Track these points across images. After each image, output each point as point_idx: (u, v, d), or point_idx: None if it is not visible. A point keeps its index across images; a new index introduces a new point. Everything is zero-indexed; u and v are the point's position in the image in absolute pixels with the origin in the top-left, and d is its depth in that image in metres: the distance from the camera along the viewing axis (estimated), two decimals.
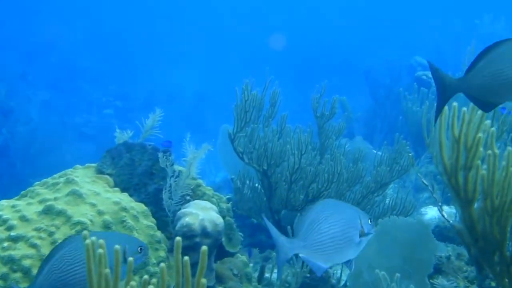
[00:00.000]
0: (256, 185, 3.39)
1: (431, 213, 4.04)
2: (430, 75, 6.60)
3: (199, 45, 19.36)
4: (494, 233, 2.16)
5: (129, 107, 13.31)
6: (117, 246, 1.29)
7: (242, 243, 4.15)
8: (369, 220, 1.83)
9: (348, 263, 1.85)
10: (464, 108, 2.03)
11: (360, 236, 1.79)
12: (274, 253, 3.51)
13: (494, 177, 2.06)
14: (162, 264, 1.28)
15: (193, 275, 1.26)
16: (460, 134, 2.11)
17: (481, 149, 2.11)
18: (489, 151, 2.03)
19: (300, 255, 1.78)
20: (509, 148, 2.02)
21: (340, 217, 1.77)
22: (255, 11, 21.60)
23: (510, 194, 2.09)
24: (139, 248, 1.80)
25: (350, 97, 7.05)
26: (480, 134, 2.07)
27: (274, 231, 1.77)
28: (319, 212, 1.77)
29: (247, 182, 3.46)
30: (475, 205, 2.21)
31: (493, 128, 2.04)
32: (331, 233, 1.75)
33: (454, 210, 3.60)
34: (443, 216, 2.65)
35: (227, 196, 4.67)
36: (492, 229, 2.16)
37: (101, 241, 1.29)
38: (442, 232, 3.57)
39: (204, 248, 1.23)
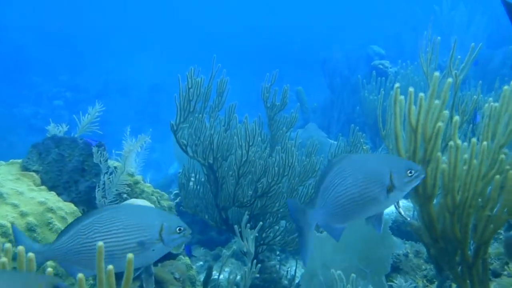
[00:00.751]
0: (202, 180, 3.15)
1: (388, 208, 3.85)
2: (386, 64, 6.49)
3: (155, 36, 18.99)
4: (455, 232, 1.97)
5: (81, 98, 12.91)
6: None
7: (191, 241, 3.94)
8: (409, 171, 1.67)
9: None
10: (422, 94, 1.82)
11: (390, 191, 1.66)
12: (224, 251, 3.30)
13: (455, 171, 1.87)
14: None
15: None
16: (417, 123, 1.90)
17: (440, 140, 1.91)
18: (451, 143, 1.83)
19: (318, 223, 1.71)
20: (473, 139, 1.83)
21: (361, 175, 1.65)
22: (211, 1, 21.28)
23: (473, 189, 1.90)
24: (178, 229, 1.71)
25: (307, 87, 6.90)
26: (440, 123, 1.87)
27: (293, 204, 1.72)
28: (336, 174, 1.66)
29: (193, 177, 3.21)
30: (435, 202, 2.02)
31: (457, 117, 1.83)
32: (349, 194, 1.64)
33: (412, 204, 3.43)
34: (400, 213, 2.47)
35: (176, 191, 4.43)
36: (453, 227, 1.97)
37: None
38: (399, 227, 3.40)
39: (130, 256, 1.15)
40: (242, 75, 8.85)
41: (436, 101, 1.85)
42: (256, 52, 14.80)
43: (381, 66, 6.46)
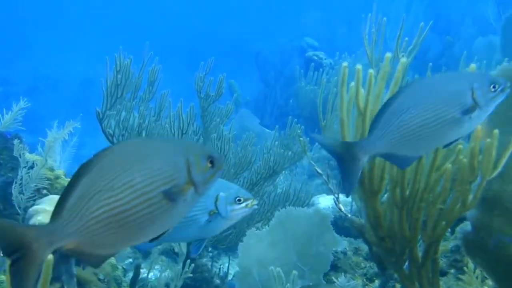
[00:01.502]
0: None
1: (324, 202, 3.72)
2: (320, 56, 6.39)
3: (86, 29, 18.37)
4: (404, 230, 1.81)
5: (10, 92, 12.29)
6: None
7: None
8: (492, 86, 1.42)
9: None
10: (371, 70, 1.64)
11: (472, 111, 1.41)
12: (153, 249, 3.07)
13: None
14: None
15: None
16: (366, 107, 1.72)
17: None
18: None
19: (378, 155, 1.45)
20: None
21: (435, 98, 1.40)
22: None
23: (424, 181, 1.75)
24: (237, 199, 1.49)
25: (240, 80, 6.74)
26: None
27: (327, 140, 1.46)
28: (404, 100, 1.41)
29: None
30: (381, 197, 1.86)
31: None
32: (420, 121, 1.39)
33: (350, 199, 3.28)
34: (340, 209, 2.30)
35: None
36: (402, 224, 1.81)
37: None
38: (337, 222, 3.24)
39: (50, 257, 1.06)
40: (175, 68, 8.58)
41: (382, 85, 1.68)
42: (189, 45, 14.51)
43: (315, 58, 6.34)
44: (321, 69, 5.45)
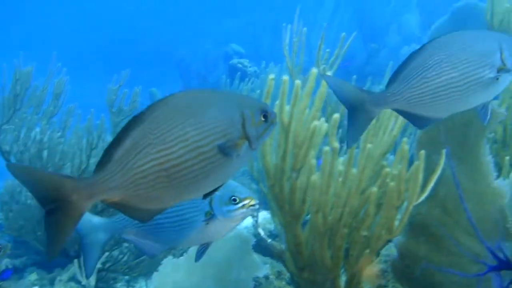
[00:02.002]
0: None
1: (249, 220, 3.55)
2: (245, 63, 6.25)
3: None
4: (325, 258, 1.66)
5: None
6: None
7: (24, 263, 3.40)
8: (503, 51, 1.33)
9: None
10: (298, 81, 1.49)
11: (499, 72, 1.32)
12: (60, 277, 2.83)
13: (329, 181, 1.56)
14: None
15: None
16: (290, 121, 1.58)
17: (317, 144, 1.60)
18: (325, 147, 1.52)
19: (394, 110, 1.35)
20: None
21: (462, 56, 1.31)
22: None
23: (349, 205, 1.61)
24: (232, 199, 1.37)
25: (162, 88, 6.52)
26: (316, 122, 1.55)
27: (342, 85, 1.31)
28: (429, 56, 1.31)
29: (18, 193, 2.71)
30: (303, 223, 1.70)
31: (337, 114, 1.50)
32: (444, 79, 1.30)
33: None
34: (259, 234, 2.15)
35: None
36: (323, 252, 1.66)
37: None
38: (260, 244, 3.07)
39: None
40: (94, 79, 8.24)
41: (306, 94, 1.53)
42: (110, 52, 14.01)
43: (240, 65, 6.18)
44: (246, 79, 5.31)
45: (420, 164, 1.49)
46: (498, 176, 1.61)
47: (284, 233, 1.74)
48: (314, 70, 1.53)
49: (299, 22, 2.03)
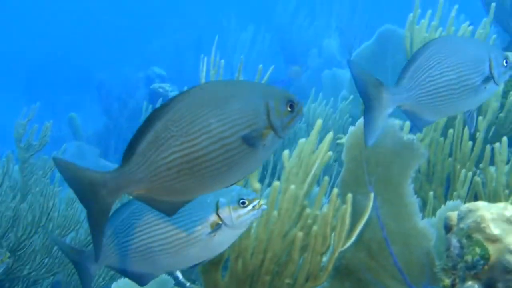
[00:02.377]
0: None
1: None
2: (166, 88, 6.15)
3: None
4: None
5: None
6: None
7: None
8: (506, 60, 1.41)
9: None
10: None
11: (487, 82, 1.40)
12: None
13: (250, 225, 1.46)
14: None
15: None
16: None
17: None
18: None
19: (402, 108, 1.37)
20: (275, 183, 1.46)
21: (460, 59, 1.37)
22: None
23: (271, 249, 1.51)
24: (241, 202, 1.23)
25: (82, 113, 6.30)
26: None
27: (362, 76, 1.32)
28: (431, 54, 1.36)
29: None
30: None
31: None
32: (444, 80, 1.36)
33: None
34: (177, 277, 2.04)
35: None
36: None
37: None
38: (178, 286, 2.95)
39: None
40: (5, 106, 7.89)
41: None
42: (28, 76, 13.45)
43: (161, 90, 6.05)
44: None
45: (347, 208, 1.42)
46: (423, 216, 1.57)
47: (203, 281, 1.62)
48: None
49: (216, 53, 1.93)
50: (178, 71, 8.40)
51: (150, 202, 1.01)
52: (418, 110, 1.34)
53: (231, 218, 1.24)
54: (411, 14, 2.46)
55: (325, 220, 1.43)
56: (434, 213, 1.78)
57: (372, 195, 1.50)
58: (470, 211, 1.18)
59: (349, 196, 1.43)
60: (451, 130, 2.07)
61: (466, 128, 1.99)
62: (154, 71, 7.46)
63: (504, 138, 1.81)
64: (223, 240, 1.27)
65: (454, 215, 1.25)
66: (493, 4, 2.45)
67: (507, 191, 1.79)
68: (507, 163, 1.82)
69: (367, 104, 1.31)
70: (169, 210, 1.02)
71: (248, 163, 1.02)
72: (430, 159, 2.09)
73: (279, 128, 1.03)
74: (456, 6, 2.41)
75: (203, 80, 1.95)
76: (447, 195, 2.06)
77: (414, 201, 1.53)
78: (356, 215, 1.49)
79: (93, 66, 10.30)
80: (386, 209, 1.54)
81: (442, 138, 2.09)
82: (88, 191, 0.97)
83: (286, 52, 7.56)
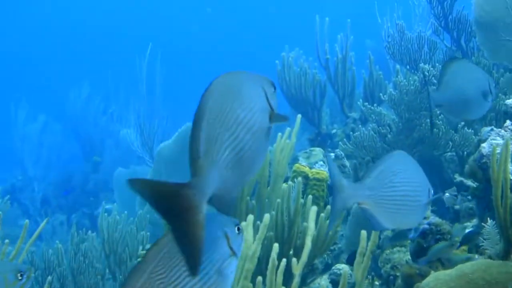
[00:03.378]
0: None
1: None
2: None
3: None
4: None
5: None
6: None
7: None
8: (430, 190, 1.54)
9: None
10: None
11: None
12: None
13: None
14: None
15: None
16: None
17: None
18: None
19: (361, 206, 1.43)
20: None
21: (413, 176, 1.50)
22: None
23: None
24: (237, 227, 1.13)
25: None
26: None
27: (335, 171, 1.43)
28: (393, 163, 1.47)
29: None
30: None
31: None
32: (404, 189, 1.45)
33: None
34: None
35: None
36: None
37: None
38: None
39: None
40: None
41: None
42: None
43: None
44: None
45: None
46: None
47: None
48: None
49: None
50: None
51: (216, 204, 0.98)
52: (376, 211, 1.42)
53: (239, 247, 1.15)
54: None
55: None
56: None
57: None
58: None
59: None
60: None
61: None
62: None
63: None
64: (233, 270, 1.15)
65: None
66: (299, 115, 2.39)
67: None
68: None
69: (333, 198, 1.44)
70: (228, 208, 1.01)
71: (266, 146, 1.07)
72: None
73: (275, 108, 1.11)
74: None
75: None
76: None
77: None
78: None
79: None
80: None
81: None
82: (179, 207, 0.92)
83: (83, 143, 7.28)
